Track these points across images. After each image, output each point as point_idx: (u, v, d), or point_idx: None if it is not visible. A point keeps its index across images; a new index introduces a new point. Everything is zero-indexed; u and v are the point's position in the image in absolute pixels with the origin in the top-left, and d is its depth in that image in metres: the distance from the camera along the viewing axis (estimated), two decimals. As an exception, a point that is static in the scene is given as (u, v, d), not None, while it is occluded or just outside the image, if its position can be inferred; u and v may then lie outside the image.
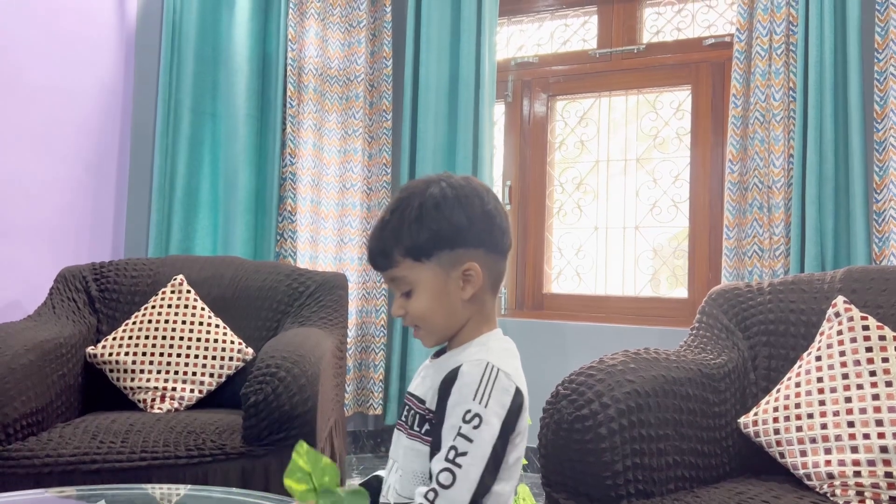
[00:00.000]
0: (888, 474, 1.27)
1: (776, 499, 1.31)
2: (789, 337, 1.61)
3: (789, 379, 1.50)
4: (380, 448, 3.05)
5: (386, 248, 0.94)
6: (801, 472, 1.39)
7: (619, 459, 1.33)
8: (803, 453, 1.39)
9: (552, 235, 3.04)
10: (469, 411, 0.85)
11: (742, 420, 1.53)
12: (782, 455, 1.44)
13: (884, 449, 1.29)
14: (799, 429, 1.41)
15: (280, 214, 2.88)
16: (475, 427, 0.84)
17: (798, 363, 1.52)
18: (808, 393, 1.43)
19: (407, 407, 0.97)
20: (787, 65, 2.40)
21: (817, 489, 1.36)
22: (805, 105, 2.34)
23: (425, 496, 0.83)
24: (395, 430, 0.98)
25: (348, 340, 2.89)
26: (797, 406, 1.44)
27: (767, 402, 1.51)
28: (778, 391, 1.51)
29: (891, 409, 1.31)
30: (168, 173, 2.83)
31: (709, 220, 2.70)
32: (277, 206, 2.87)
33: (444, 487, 0.82)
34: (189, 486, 1.46)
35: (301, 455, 0.78)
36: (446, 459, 0.83)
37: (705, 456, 1.49)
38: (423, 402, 0.93)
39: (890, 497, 1.27)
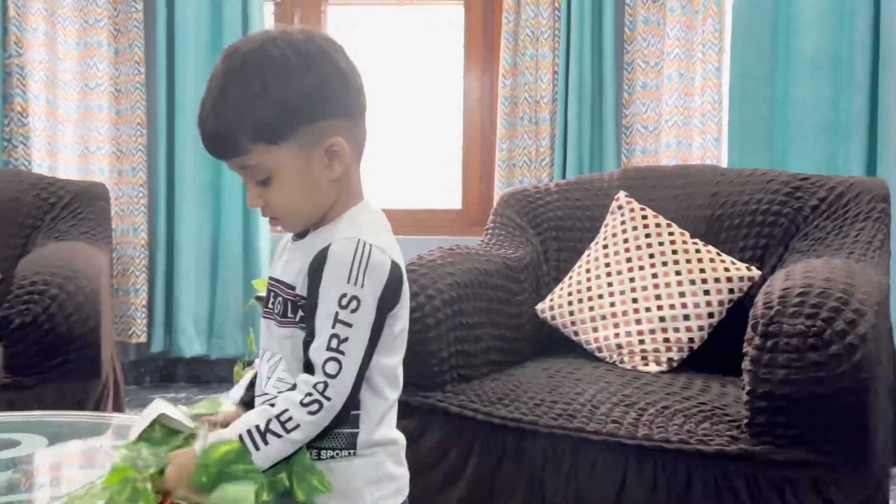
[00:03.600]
0: (666, 339, 1.49)
1: (577, 370, 1.46)
2: (576, 231, 1.78)
3: (580, 266, 1.66)
4: (144, 378, 2.80)
5: (228, 132, 0.80)
6: (594, 346, 1.56)
7: (445, 347, 1.38)
8: (595, 329, 1.56)
9: (327, 148, 2.96)
10: (345, 295, 0.80)
11: (539, 306, 1.67)
12: (576, 333, 1.60)
13: (662, 319, 1.50)
14: (591, 308, 1.58)
15: (7, 116, 2.41)
16: (353, 311, 0.80)
17: (586, 252, 1.68)
18: (598, 277, 1.60)
19: (273, 294, 0.88)
20: (553, -15, 2.56)
21: (608, 359, 1.54)
22: (568, 25, 2.53)
23: (314, 387, 0.78)
24: (263, 319, 0.90)
25: (103, 263, 2.56)
26: (588, 289, 1.60)
27: (561, 289, 1.66)
28: (570, 278, 1.66)
29: (667, 286, 1.52)
30: None
31: (480, 133, 2.83)
32: (3, 106, 2.40)
33: (332, 377, 0.79)
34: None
35: None
36: (329, 349, 0.79)
37: (510, 341, 1.61)
38: (292, 287, 0.85)
39: (668, 358, 1.48)
